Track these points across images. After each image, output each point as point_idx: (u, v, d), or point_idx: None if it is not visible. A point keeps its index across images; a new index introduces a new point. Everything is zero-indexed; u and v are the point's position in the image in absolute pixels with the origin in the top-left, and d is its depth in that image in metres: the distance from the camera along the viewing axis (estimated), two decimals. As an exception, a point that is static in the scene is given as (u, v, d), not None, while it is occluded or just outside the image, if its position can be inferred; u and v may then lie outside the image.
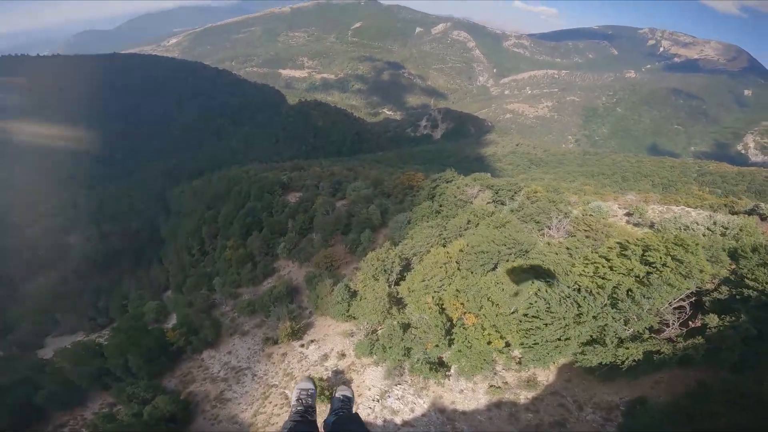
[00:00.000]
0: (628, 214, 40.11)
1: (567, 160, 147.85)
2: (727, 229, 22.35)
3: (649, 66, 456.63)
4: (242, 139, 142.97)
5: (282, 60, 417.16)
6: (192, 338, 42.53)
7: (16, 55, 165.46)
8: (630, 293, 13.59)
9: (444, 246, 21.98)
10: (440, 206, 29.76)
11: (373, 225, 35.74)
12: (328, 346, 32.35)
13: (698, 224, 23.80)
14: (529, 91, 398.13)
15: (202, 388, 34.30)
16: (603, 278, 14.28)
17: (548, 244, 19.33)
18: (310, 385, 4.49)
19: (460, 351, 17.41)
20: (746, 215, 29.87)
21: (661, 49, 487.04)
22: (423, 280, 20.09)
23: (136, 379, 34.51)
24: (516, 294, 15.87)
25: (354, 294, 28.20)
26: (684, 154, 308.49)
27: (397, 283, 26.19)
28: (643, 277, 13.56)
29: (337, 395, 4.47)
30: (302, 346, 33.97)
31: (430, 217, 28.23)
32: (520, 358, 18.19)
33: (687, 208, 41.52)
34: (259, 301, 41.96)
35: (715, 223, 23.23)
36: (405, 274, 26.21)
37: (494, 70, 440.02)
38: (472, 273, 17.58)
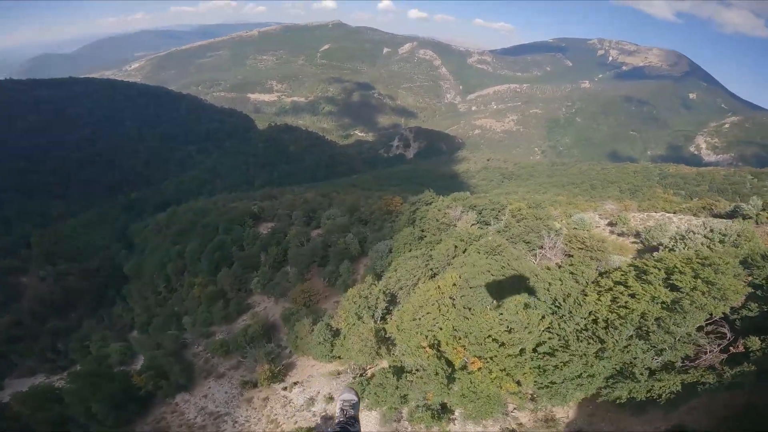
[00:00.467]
0: (611, 224, 39.81)
1: (537, 172, 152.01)
2: (725, 236, 21.73)
3: (601, 75, 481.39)
4: (210, 167, 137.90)
5: (250, 84, 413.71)
6: (162, 383, 39.04)
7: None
8: (661, 323, 12.09)
9: (433, 278, 20.09)
10: (422, 231, 28.06)
11: (351, 255, 33.57)
12: (313, 388, 29.58)
13: (695, 233, 23.11)
14: (495, 106, 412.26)
15: (178, 436, 30.76)
16: (625, 307, 12.74)
17: (548, 269, 17.78)
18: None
19: (464, 396, 15.32)
20: (729, 218, 29.84)
21: (610, 58, 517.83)
22: (413, 319, 17.97)
23: (102, 426, 30.75)
24: (524, 330, 14.06)
25: (336, 333, 25.79)
26: (642, 158, 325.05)
27: (383, 319, 24.00)
28: (671, 304, 12.12)
29: (339, 401, 4.50)
30: (285, 389, 31.19)
31: (413, 244, 26.43)
32: (533, 395, 16.27)
33: (667, 214, 41.84)
34: (233, 341, 38.56)
35: (711, 231, 22.60)
36: (391, 308, 24.08)
37: (460, 87, 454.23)
38: (470, 310, 15.67)
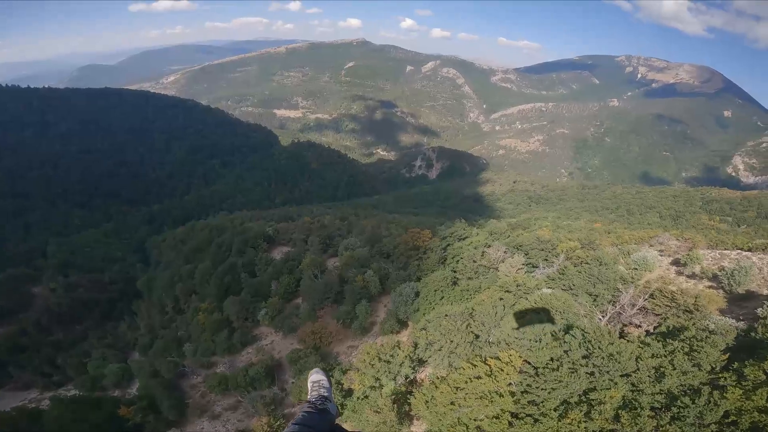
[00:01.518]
0: (677, 263, 33.80)
1: (567, 196, 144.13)
2: None
3: (630, 93, 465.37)
4: (232, 182, 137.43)
5: (276, 100, 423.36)
6: (150, 417, 35.57)
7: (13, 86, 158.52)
8: None
9: (477, 349, 15.35)
10: (455, 273, 23.41)
11: (370, 294, 29.15)
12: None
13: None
14: (519, 126, 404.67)
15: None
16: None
17: (644, 344, 12.90)
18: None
19: None
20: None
21: (639, 75, 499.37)
22: (452, 403, 13.20)
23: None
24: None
25: (348, 393, 21.17)
26: (676, 180, 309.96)
27: (407, 385, 19.27)
28: None
29: (310, 382, 4.45)
30: (283, 445, 26.51)
31: (445, 291, 21.86)
32: None
33: (744, 252, 35.43)
34: (233, 378, 34.46)
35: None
36: (417, 368, 19.34)
37: (484, 106, 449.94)
38: (541, 410, 10.92)
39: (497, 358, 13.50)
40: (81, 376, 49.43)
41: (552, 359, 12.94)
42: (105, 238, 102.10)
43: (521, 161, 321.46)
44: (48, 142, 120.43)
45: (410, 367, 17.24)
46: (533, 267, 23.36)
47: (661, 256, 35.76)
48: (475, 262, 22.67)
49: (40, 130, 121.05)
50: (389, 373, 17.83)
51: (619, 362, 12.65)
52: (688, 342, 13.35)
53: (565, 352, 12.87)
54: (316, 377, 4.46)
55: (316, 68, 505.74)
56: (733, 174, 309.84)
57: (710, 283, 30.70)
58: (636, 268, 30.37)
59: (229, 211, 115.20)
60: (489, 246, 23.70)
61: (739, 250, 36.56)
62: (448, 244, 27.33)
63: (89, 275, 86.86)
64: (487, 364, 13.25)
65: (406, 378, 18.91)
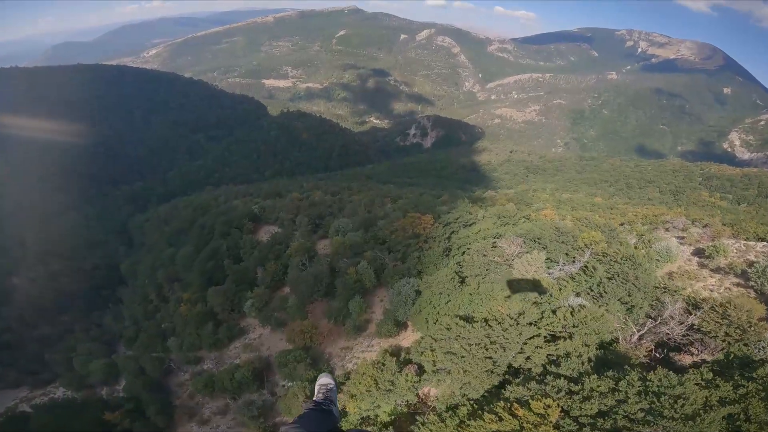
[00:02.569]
0: (700, 254, 31.13)
1: (564, 167, 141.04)
2: None
3: (629, 67, 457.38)
4: (219, 156, 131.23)
5: (265, 70, 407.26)
6: (136, 422, 33.99)
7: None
8: None
9: (495, 377, 12.41)
10: (461, 269, 20.27)
11: (364, 287, 26.12)
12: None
13: None
14: (516, 96, 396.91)
15: None
16: None
17: (708, 384, 10.04)
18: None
19: None
20: None
21: (639, 50, 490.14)
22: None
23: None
24: None
25: (343, 414, 18.48)
26: (671, 154, 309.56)
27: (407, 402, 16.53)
28: None
29: (318, 385, 4.59)
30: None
31: (452, 293, 18.82)
32: None
33: (769, 244, 32.76)
34: (220, 381, 32.01)
35: None
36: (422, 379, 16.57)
37: (480, 75, 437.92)
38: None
39: (527, 404, 10.49)
40: (68, 374, 46.88)
41: (600, 412, 9.97)
42: (86, 221, 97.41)
43: (517, 131, 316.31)
44: (18, 126, 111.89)
45: (413, 393, 14.33)
46: (552, 263, 20.26)
47: (682, 244, 32.97)
48: (484, 255, 19.51)
49: (9, 111, 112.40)
50: (388, 399, 14.91)
51: (684, 412, 9.68)
52: (762, 383, 10.46)
53: (619, 402, 9.88)
54: (324, 380, 4.63)
55: (306, 37, 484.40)
56: (729, 149, 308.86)
57: (737, 280, 28.09)
58: (659, 260, 27.66)
59: (216, 186, 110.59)
60: (499, 236, 20.50)
61: (765, 242, 33.80)
62: (453, 231, 24.11)
63: (71, 263, 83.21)
64: (515, 416, 10.25)
65: (408, 402, 16.08)
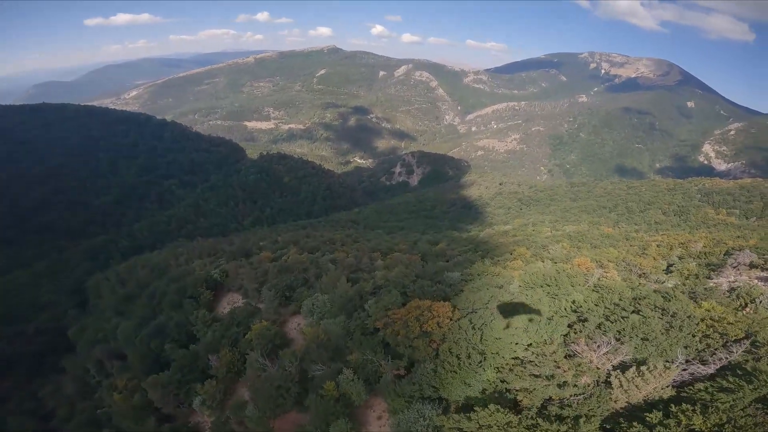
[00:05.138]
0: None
1: (558, 196, 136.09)
2: None
3: (596, 89, 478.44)
4: (192, 204, 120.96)
5: (247, 111, 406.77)
6: None
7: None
8: None
9: None
10: (508, 387, 11.82)
11: (351, 404, 17.26)
12: None
13: None
14: (495, 126, 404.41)
15: None
16: None
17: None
18: None
19: None
20: None
21: (602, 71, 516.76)
22: None
23: None
24: None
25: None
26: (651, 172, 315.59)
27: None
28: None
29: None
30: None
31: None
32: None
33: None
34: None
35: None
36: None
37: (459, 108, 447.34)
38: None
39: None
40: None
41: None
42: (34, 280, 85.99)
43: (500, 161, 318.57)
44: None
45: None
46: (667, 363, 11.79)
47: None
48: (555, 364, 11.16)
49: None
50: None
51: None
52: None
53: None
54: None
55: (287, 77, 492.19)
56: (705, 162, 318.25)
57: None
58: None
59: (190, 239, 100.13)
60: (554, 329, 12.36)
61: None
62: (483, 326, 15.67)
63: (12, 326, 73.75)
64: None
65: None
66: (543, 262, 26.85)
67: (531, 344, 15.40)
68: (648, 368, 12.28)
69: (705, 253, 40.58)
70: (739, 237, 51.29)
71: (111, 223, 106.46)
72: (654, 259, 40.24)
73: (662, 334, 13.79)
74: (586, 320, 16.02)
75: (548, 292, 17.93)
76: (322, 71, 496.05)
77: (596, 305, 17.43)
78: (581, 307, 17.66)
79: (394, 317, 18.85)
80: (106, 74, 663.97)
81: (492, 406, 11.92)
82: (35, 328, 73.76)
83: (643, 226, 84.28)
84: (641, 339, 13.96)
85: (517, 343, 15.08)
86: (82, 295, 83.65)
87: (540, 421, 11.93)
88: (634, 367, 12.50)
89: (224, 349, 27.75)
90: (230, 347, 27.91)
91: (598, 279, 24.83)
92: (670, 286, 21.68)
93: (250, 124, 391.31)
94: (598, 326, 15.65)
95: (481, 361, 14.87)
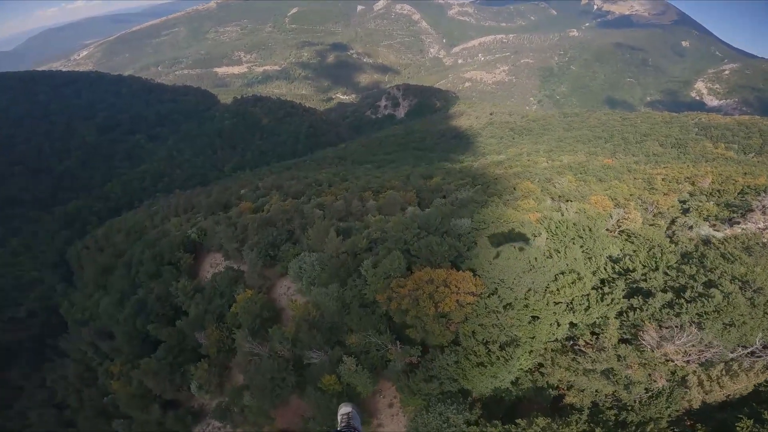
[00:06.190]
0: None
1: (550, 126, 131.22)
2: None
3: (587, 24, 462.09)
4: (165, 157, 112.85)
5: (215, 58, 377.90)
6: None
7: None
8: None
9: None
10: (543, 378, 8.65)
11: (357, 394, 14.33)
12: None
13: None
14: (483, 58, 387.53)
15: None
16: None
17: None
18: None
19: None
20: None
21: (595, 7, 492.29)
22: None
23: None
24: None
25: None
26: (641, 105, 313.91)
27: None
28: None
29: (339, 415, 4.94)
30: None
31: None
32: None
33: None
34: None
35: None
36: None
37: (444, 41, 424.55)
38: None
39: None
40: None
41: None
42: (13, 258, 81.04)
43: (489, 92, 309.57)
44: None
45: None
46: None
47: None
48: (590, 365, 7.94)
49: None
50: None
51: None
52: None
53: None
54: (345, 410, 4.92)
55: (256, 20, 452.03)
56: (697, 98, 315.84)
57: None
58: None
59: (167, 193, 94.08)
60: (609, 305, 8.78)
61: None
62: (515, 300, 12.02)
63: (2, 312, 69.89)
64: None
65: None
66: (557, 201, 23.30)
67: (577, 325, 12.06)
68: (739, 364, 9.31)
69: (719, 191, 37.86)
70: (746, 174, 48.29)
71: (80, 186, 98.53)
72: (664, 194, 37.42)
73: (748, 315, 10.71)
74: (649, 294, 12.42)
75: (581, 247, 14.41)
76: (294, 10, 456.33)
77: (648, 267, 13.88)
78: (629, 268, 14.14)
79: (399, 290, 15.22)
80: (48, 39, 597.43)
81: (541, 420, 8.84)
82: (27, 311, 69.68)
83: (642, 158, 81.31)
84: (724, 325, 10.78)
85: (560, 325, 11.82)
86: (66, 267, 79.66)
87: (596, 429, 8.97)
88: (722, 364, 9.47)
89: (210, 326, 24.57)
90: (216, 322, 24.72)
91: (618, 221, 21.62)
92: (718, 236, 18.41)
93: (221, 70, 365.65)
94: (669, 305, 12.13)
95: (514, 350, 11.66)
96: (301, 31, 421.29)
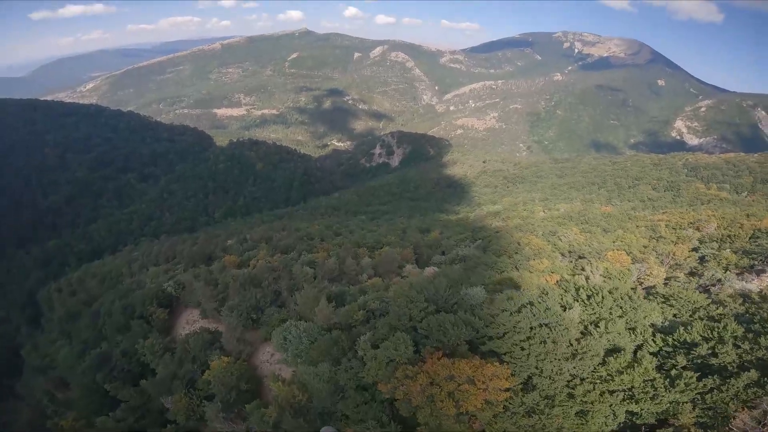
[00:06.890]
0: None
1: (543, 173, 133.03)
2: None
3: (570, 68, 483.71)
4: (156, 198, 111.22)
5: (216, 98, 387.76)
6: None
7: None
8: None
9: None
10: None
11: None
12: None
13: None
14: (473, 105, 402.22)
15: None
16: None
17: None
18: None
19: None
20: None
21: (576, 51, 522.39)
22: None
23: None
24: None
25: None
26: (625, 146, 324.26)
27: None
28: None
29: None
30: None
31: None
32: None
33: None
34: None
35: None
36: None
37: (436, 88, 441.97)
38: None
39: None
40: None
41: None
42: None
43: (480, 139, 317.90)
44: None
45: None
46: None
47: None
48: None
49: None
50: None
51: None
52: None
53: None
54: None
55: (257, 63, 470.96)
56: (677, 137, 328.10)
57: None
58: None
59: (154, 237, 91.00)
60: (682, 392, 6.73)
61: None
62: (556, 395, 9.73)
63: None
64: None
65: None
66: (569, 257, 21.35)
67: (638, 413, 9.76)
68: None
69: (729, 236, 36.66)
70: (750, 216, 47.73)
71: (63, 224, 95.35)
72: (674, 243, 36.01)
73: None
74: (723, 371, 10.16)
75: (621, 317, 12.33)
76: (294, 55, 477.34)
77: (709, 337, 11.72)
78: (688, 340, 11.89)
79: (408, 383, 12.56)
80: (59, 68, 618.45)
81: None
82: (-17, 351, 65.17)
83: (638, 203, 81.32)
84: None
85: (616, 416, 9.54)
86: (35, 308, 75.24)
87: None
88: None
89: (178, 394, 21.34)
90: (186, 388, 21.53)
91: (639, 278, 19.71)
92: (753, 288, 16.62)
93: (220, 112, 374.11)
94: (756, 383, 10.01)
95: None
96: (300, 75, 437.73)
